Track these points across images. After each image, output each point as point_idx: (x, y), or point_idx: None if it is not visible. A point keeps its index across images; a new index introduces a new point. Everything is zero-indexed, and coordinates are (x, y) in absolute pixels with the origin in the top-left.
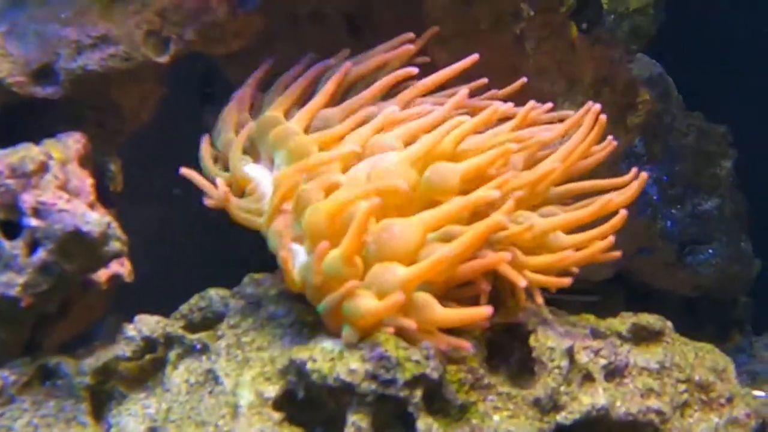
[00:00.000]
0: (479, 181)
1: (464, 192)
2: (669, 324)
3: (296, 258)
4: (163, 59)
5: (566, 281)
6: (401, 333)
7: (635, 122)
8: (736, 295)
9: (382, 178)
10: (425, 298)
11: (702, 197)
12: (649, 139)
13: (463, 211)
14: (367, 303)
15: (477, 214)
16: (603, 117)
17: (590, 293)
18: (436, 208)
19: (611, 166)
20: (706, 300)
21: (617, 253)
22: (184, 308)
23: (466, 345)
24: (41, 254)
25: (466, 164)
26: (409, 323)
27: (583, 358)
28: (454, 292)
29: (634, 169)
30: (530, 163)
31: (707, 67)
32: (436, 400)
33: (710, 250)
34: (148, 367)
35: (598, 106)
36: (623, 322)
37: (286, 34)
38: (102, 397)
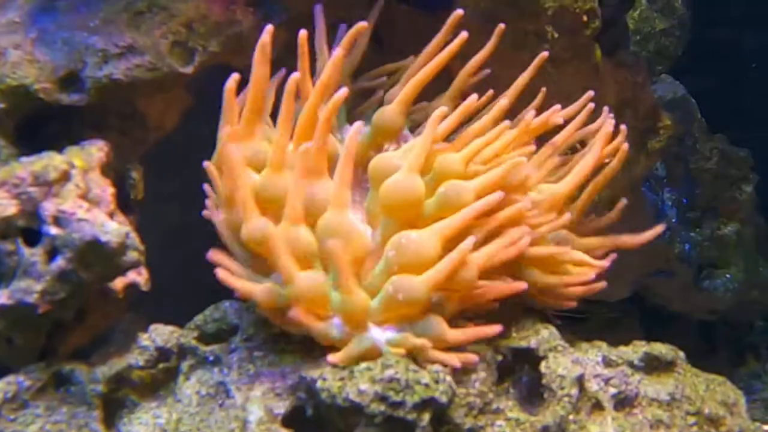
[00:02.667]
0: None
1: None
2: (681, 354)
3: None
4: (188, 70)
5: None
6: (413, 353)
7: (656, 147)
8: (753, 320)
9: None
10: (437, 321)
11: (721, 221)
12: (670, 161)
13: (477, 217)
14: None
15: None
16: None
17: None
18: (452, 216)
19: (632, 189)
20: (721, 324)
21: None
22: (198, 319)
23: (474, 359)
24: (60, 262)
25: (480, 182)
26: (423, 342)
27: (593, 386)
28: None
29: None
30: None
31: (731, 89)
32: (444, 424)
33: (727, 275)
34: (161, 377)
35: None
36: (635, 350)
37: (310, 43)
38: (114, 405)
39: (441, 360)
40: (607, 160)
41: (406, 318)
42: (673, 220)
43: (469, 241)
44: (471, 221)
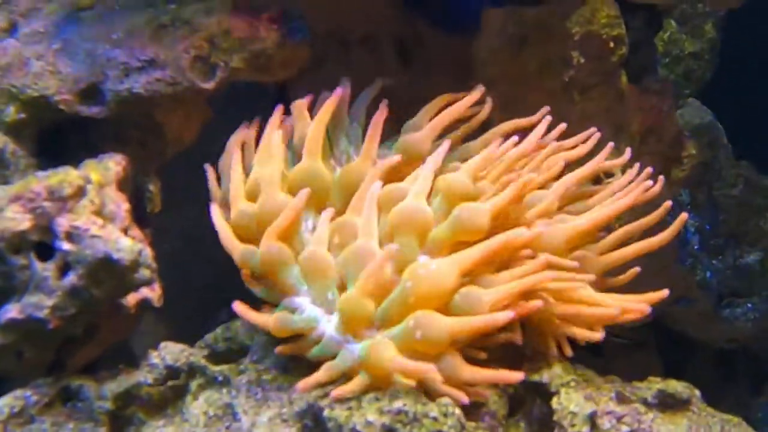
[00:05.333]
0: (502, 218)
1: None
2: (697, 393)
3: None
4: (209, 85)
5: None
6: (424, 385)
7: (679, 176)
8: None
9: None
10: (453, 357)
11: (745, 249)
12: (694, 187)
13: (499, 253)
14: (389, 354)
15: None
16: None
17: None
18: (471, 248)
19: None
20: (742, 353)
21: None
22: (209, 338)
23: (485, 393)
24: (71, 278)
25: (494, 203)
26: (435, 376)
27: (605, 424)
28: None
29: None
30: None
31: (760, 116)
32: None
33: (749, 305)
34: (169, 395)
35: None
36: (650, 387)
37: (338, 58)
38: (121, 422)
39: (449, 394)
40: None
41: (420, 354)
42: (696, 247)
43: (506, 315)
44: (490, 256)
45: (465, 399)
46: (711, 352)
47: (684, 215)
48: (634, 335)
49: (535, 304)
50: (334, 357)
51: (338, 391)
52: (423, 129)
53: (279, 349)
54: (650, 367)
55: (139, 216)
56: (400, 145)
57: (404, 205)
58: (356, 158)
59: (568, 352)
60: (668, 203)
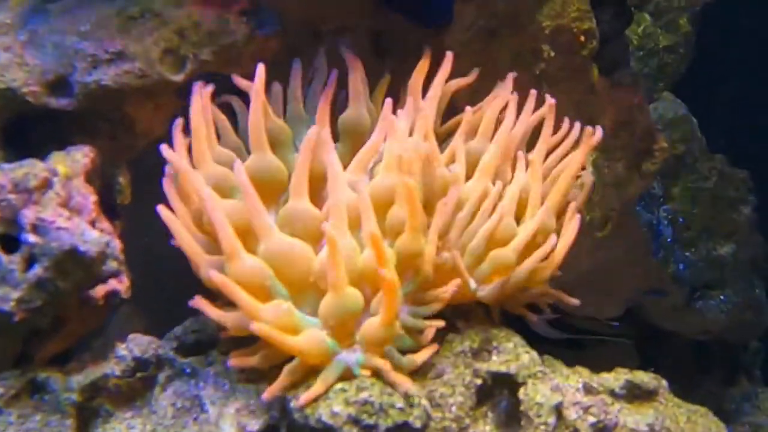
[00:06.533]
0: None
1: None
2: (664, 383)
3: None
4: (179, 78)
5: None
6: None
7: (651, 169)
8: (747, 342)
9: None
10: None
11: (717, 242)
12: (667, 180)
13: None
14: None
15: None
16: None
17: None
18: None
19: (625, 210)
20: (716, 344)
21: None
22: (178, 330)
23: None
24: (37, 270)
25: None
26: (383, 363)
27: (571, 414)
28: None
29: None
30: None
31: (733, 109)
32: None
33: (722, 296)
34: (138, 386)
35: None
36: (617, 378)
37: (310, 51)
38: (88, 414)
39: (399, 383)
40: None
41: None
42: (669, 240)
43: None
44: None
45: (407, 387)
46: (685, 344)
47: (551, 100)
48: (610, 328)
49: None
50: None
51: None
52: (351, 102)
53: (232, 362)
54: (626, 358)
55: (109, 208)
56: (339, 127)
57: None
58: None
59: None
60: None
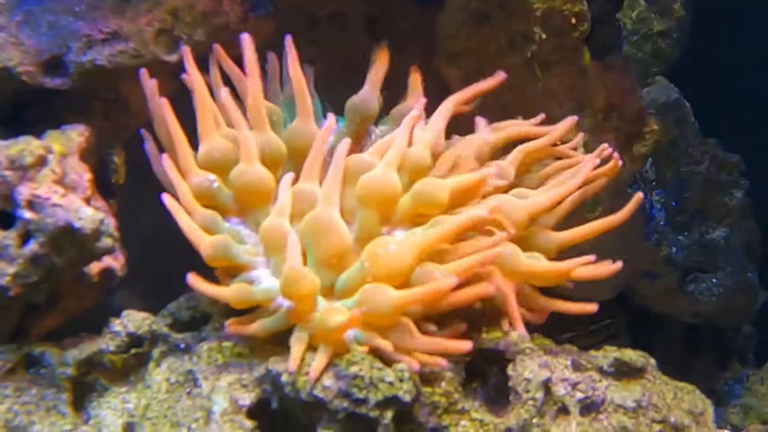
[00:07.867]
0: (466, 196)
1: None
2: (652, 361)
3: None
4: (173, 58)
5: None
6: (378, 353)
7: (641, 152)
8: (739, 325)
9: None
10: (406, 324)
11: (710, 226)
12: (660, 163)
13: (457, 234)
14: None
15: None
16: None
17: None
18: (431, 230)
19: (616, 193)
20: (707, 327)
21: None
22: (172, 306)
23: (442, 363)
24: (33, 246)
25: (455, 181)
26: (385, 344)
27: (559, 390)
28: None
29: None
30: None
31: (726, 94)
32: (407, 423)
33: (714, 280)
34: (132, 362)
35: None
36: (606, 356)
37: (305, 35)
38: (83, 388)
39: (401, 360)
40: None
41: (371, 326)
42: (661, 223)
43: (450, 279)
44: (450, 237)
45: (416, 366)
46: (678, 326)
47: (639, 194)
48: (603, 311)
49: (488, 289)
50: (290, 330)
51: (313, 373)
52: (364, 87)
53: (230, 329)
54: (618, 342)
55: (104, 187)
56: (348, 110)
57: (374, 176)
58: None
59: (522, 330)
60: (639, 195)
